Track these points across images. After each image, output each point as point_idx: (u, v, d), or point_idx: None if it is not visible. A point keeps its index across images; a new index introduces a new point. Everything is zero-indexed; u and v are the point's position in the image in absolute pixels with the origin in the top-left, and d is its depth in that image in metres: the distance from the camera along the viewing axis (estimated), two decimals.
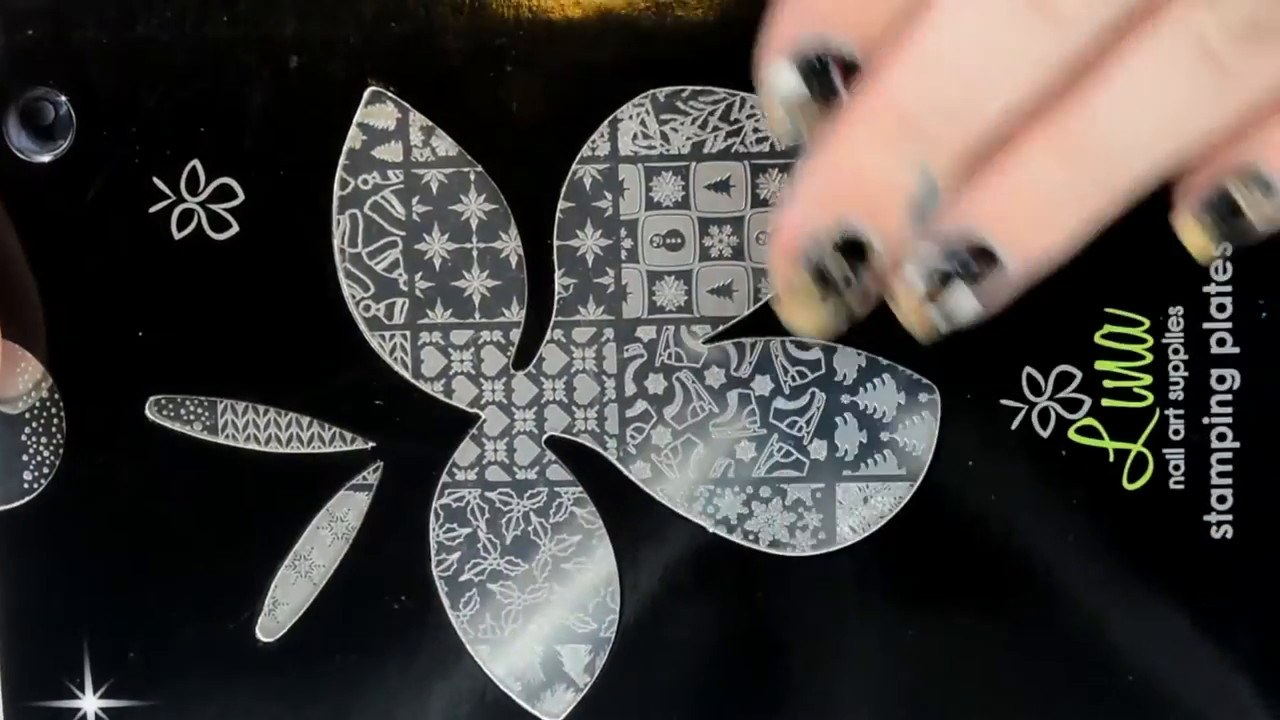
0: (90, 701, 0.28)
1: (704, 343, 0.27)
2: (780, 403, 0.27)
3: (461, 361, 0.27)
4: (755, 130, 0.26)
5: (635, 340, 0.27)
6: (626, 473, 0.27)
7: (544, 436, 0.27)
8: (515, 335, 0.27)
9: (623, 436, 0.27)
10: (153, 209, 0.27)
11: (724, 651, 0.27)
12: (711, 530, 0.27)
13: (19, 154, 0.27)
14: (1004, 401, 0.26)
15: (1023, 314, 0.26)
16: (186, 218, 0.27)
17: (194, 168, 0.27)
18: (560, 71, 0.26)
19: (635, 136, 0.27)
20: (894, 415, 0.27)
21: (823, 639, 0.27)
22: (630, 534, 0.27)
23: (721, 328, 0.27)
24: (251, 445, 0.27)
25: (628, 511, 0.27)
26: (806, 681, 0.27)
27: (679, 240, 0.27)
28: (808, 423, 0.27)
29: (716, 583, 0.27)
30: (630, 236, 0.27)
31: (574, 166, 0.27)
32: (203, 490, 0.28)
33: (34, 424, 0.28)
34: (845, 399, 0.27)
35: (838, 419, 0.27)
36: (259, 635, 0.28)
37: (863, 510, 0.27)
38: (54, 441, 0.28)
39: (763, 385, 0.27)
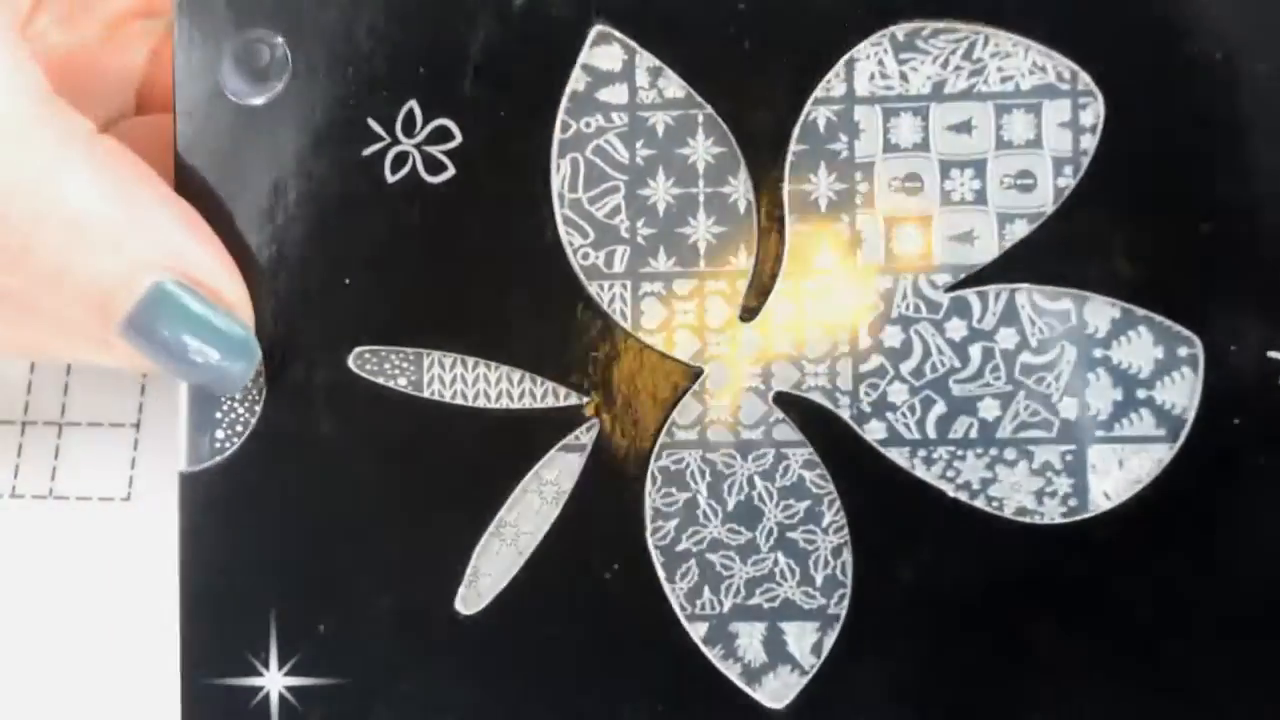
0: (274, 679, 0.26)
1: (944, 292, 0.25)
2: (1027, 357, 0.25)
3: (685, 313, 0.26)
4: (999, 70, 0.25)
5: (871, 290, 0.25)
6: (860, 432, 0.25)
7: (771, 393, 0.26)
8: (742, 285, 0.26)
9: (856, 393, 0.25)
10: (366, 151, 0.26)
11: (967, 631, 0.25)
12: (952, 496, 0.25)
13: (233, 97, 0.26)
14: (1272, 354, 0.25)
15: None
16: (401, 160, 0.26)
17: (411, 109, 0.26)
18: (794, 9, 0.25)
19: (872, 76, 0.25)
20: (1152, 370, 0.25)
21: (1075, 617, 0.25)
22: (863, 500, 0.25)
23: (963, 276, 0.25)
24: (458, 401, 0.26)
25: (861, 475, 0.25)
26: (1054, 665, 0.25)
27: (918, 184, 0.25)
28: (1057, 379, 0.25)
29: (957, 554, 0.25)
30: (866, 180, 0.25)
31: (808, 108, 0.25)
32: (404, 451, 0.26)
33: None
34: (1098, 353, 0.25)
35: (1090, 375, 0.25)
36: (459, 608, 0.26)
37: (1118, 474, 0.25)
38: (249, 396, 0.26)
39: (1008, 338, 0.25)
